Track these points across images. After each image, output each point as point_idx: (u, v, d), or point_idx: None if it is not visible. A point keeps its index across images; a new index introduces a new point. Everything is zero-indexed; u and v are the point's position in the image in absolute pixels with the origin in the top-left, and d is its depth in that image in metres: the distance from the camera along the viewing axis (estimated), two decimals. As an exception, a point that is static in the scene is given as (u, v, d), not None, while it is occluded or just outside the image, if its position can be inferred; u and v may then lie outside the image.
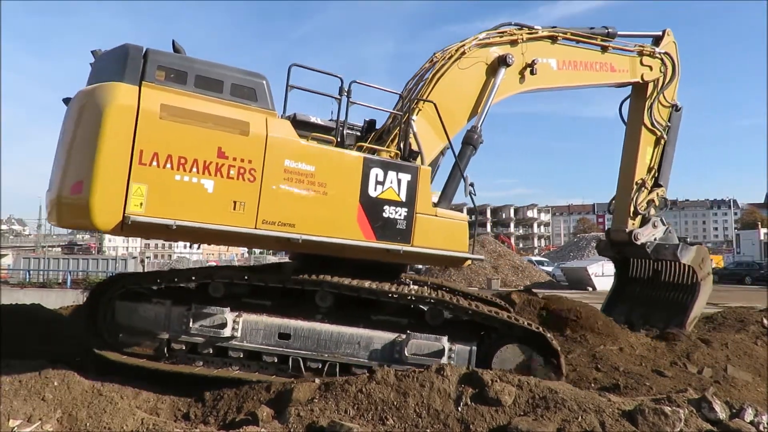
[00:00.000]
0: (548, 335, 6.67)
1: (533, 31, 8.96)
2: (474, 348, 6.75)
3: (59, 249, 69.62)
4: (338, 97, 6.91)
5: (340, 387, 5.66)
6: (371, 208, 6.67)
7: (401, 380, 5.63)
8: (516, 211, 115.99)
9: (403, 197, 6.86)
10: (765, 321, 10.14)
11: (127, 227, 5.56)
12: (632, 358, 8.33)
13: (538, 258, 51.20)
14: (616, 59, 10.06)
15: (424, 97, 7.89)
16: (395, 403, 5.40)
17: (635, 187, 10.58)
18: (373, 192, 6.69)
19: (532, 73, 8.81)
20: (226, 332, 6.51)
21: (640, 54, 10.30)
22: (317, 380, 6.04)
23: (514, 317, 6.87)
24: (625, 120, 11.09)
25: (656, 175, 10.68)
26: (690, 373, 7.54)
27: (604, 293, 26.21)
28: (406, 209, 6.87)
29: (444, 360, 6.48)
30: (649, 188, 10.64)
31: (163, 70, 5.91)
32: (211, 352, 6.72)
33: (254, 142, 6.05)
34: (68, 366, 5.92)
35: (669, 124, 10.70)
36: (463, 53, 8.29)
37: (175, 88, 5.92)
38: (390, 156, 7.20)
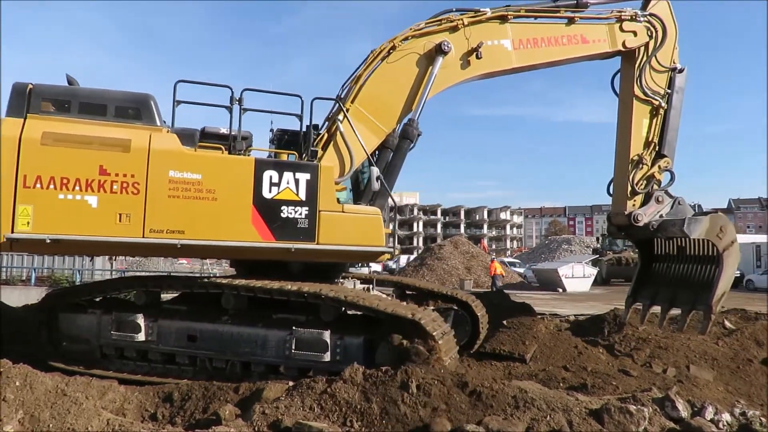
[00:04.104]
0: (423, 321, 6.50)
1: (479, 14, 8.56)
2: (361, 341, 6.82)
3: (23, 245, 67.53)
4: (229, 106, 7.17)
5: (306, 385, 5.63)
6: (266, 209, 6.89)
7: (367, 380, 5.60)
8: (489, 212, 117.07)
9: (302, 196, 7.02)
10: (726, 323, 10.47)
11: (15, 244, 6.27)
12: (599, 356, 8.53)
13: (510, 259, 51.84)
14: (588, 29, 9.20)
15: (352, 97, 7.97)
16: (360, 404, 5.36)
17: (632, 164, 9.46)
18: (267, 193, 6.89)
19: (477, 57, 8.42)
20: (140, 337, 7.22)
21: (619, 20, 9.28)
22: (290, 383, 6.02)
23: (393, 307, 6.77)
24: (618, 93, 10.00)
25: (657, 148, 9.51)
26: (654, 372, 7.73)
27: (574, 294, 26.84)
28: (307, 208, 7.03)
29: (328, 355, 6.68)
30: (650, 163, 9.45)
31: (48, 101, 6.62)
32: (134, 355, 7.43)
33: (136, 157, 6.53)
34: (31, 365, 5.76)
35: (668, 90, 9.51)
36: (394, 47, 8.20)
37: (60, 116, 6.60)
38: (294, 158, 7.41)
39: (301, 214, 6.99)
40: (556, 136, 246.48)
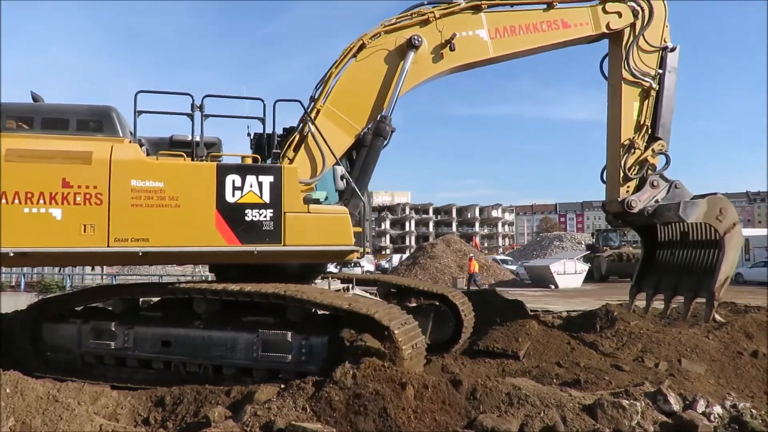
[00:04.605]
0: (391, 325, 6.40)
1: (452, 5, 8.35)
2: (325, 341, 6.83)
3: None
4: (191, 113, 7.22)
5: (297, 386, 5.62)
6: (230, 213, 6.94)
7: (358, 381, 5.57)
8: (481, 210, 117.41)
9: (266, 199, 7.04)
10: (716, 316, 10.55)
11: None
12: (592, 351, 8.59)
13: (502, 257, 52.01)
14: (569, 13, 8.87)
15: (323, 98, 7.99)
16: (352, 405, 5.34)
17: (623, 149, 9.09)
18: (231, 198, 6.94)
19: (451, 49, 8.23)
20: (115, 344, 7.39)
21: (602, 1, 8.96)
22: (282, 386, 6.00)
23: (358, 306, 6.71)
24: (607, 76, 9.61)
25: (649, 131, 9.13)
26: (646, 367, 7.78)
27: (566, 291, 26.96)
28: (271, 210, 7.04)
29: (291, 355, 6.74)
30: (642, 147, 9.09)
31: (12, 119, 6.81)
32: (114, 362, 7.55)
33: (97, 168, 6.64)
34: (22, 371, 5.71)
35: (660, 71, 9.10)
36: (363, 45, 8.12)
37: (24, 133, 6.78)
38: (255, 161, 7.48)
39: (265, 216, 7.01)
40: (546, 134, 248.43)
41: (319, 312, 7.29)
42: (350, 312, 6.61)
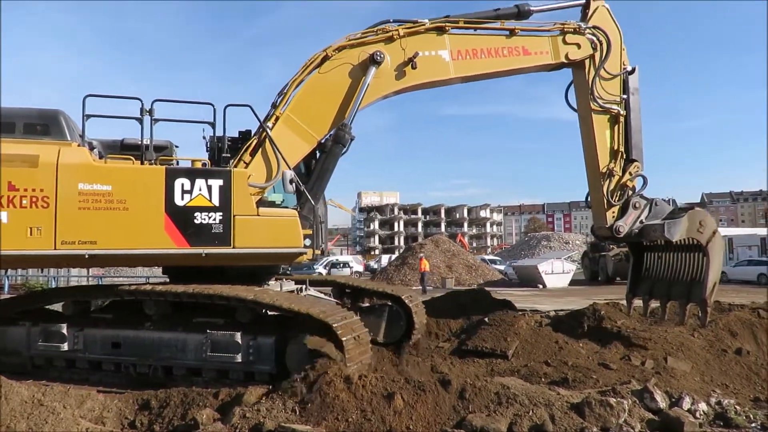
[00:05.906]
0: (334, 324, 6.56)
1: (417, 25, 8.60)
2: (272, 342, 6.94)
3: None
4: (140, 117, 7.30)
5: (286, 388, 5.60)
6: (179, 216, 7.00)
7: (350, 382, 5.58)
8: (469, 211, 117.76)
9: (215, 202, 7.12)
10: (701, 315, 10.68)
11: None
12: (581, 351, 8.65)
13: (491, 257, 52.23)
14: (530, 41, 9.16)
15: (282, 106, 8.08)
16: (343, 406, 5.34)
17: (603, 177, 9.49)
18: (180, 201, 7.00)
19: (413, 68, 8.47)
20: (65, 346, 7.44)
21: (563, 32, 9.25)
22: (271, 387, 5.99)
23: (305, 309, 6.79)
24: (574, 107, 9.97)
25: (624, 156, 9.52)
26: (633, 365, 7.86)
27: (554, 290, 27.13)
28: (220, 213, 7.12)
29: (240, 356, 6.84)
30: (620, 172, 9.48)
31: None
32: (64, 364, 7.63)
33: (44, 172, 6.66)
34: (6, 375, 5.62)
35: (624, 96, 9.49)
36: (327, 57, 8.26)
37: None
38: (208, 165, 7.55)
39: (215, 219, 7.08)
40: (534, 133, 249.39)
41: (269, 313, 7.43)
42: (274, 307, 6.82)
